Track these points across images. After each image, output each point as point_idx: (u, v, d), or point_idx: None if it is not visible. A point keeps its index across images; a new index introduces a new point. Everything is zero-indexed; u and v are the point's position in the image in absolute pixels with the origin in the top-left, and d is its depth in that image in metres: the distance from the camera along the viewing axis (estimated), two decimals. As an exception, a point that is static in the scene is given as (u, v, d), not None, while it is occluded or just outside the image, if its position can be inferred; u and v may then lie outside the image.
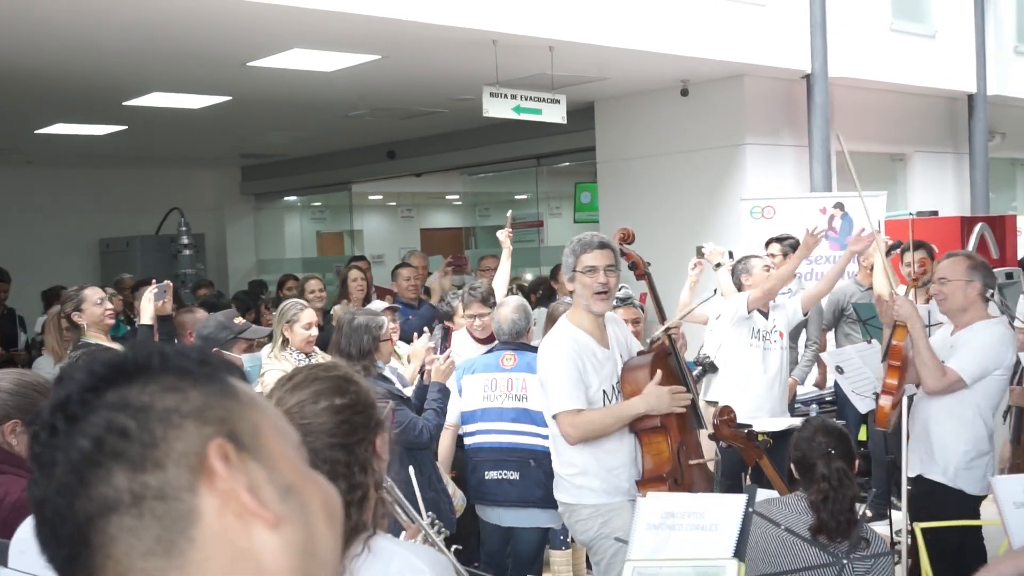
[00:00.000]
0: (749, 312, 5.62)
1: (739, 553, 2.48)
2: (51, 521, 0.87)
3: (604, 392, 3.91)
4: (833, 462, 3.21)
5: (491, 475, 4.90)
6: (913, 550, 3.63)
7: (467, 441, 5.05)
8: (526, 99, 8.55)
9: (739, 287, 5.97)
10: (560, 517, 4.95)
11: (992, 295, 4.50)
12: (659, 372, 3.89)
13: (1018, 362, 4.69)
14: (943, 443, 4.51)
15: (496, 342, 5.21)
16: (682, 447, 3.92)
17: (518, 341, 5.10)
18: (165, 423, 0.85)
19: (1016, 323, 5.13)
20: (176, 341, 5.20)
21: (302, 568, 0.87)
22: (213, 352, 0.96)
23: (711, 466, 4.27)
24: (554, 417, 3.93)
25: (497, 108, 8.37)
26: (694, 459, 3.95)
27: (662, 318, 4.30)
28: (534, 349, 4.80)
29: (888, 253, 6.51)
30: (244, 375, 0.97)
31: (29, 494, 0.89)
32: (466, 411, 5.00)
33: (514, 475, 4.88)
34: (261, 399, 0.95)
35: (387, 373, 4.87)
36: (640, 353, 4.15)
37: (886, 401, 5.18)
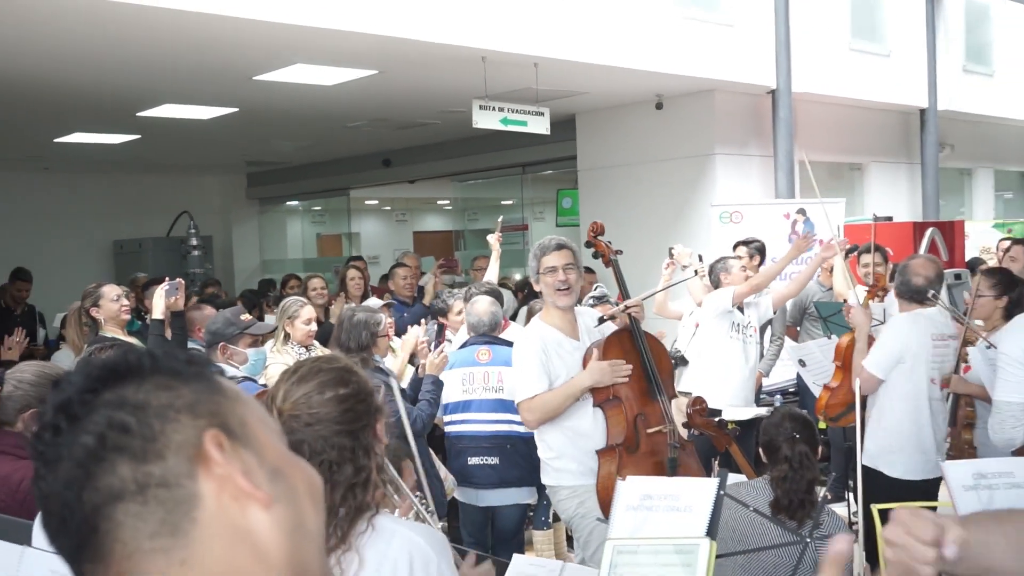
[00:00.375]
0: (734, 306, 5.65)
1: (711, 532, 2.48)
2: (59, 513, 0.88)
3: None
4: (796, 446, 3.23)
5: (473, 461, 4.93)
6: (871, 530, 3.65)
7: (448, 430, 5.07)
8: (512, 111, 8.55)
9: (717, 285, 5.98)
10: (535, 494, 5.03)
11: (934, 295, 4.49)
12: (610, 350, 3.91)
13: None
14: (869, 430, 4.58)
15: (472, 336, 5.22)
16: (640, 416, 3.93)
17: (492, 334, 5.19)
18: (162, 418, 0.88)
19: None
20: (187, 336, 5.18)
21: (293, 543, 0.90)
22: (196, 353, 0.99)
23: (681, 434, 4.23)
24: (517, 406, 4.01)
25: (485, 120, 8.37)
26: (652, 428, 3.94)
27: (624, 298, 4.31)
28: (508, 343, 4.90)
29: (846, 256, 6.56)
30: (224, 373, 0.99)
31: (35, 489, 0.90)
32: (447, 403, 5.01)
33: (494, 460, 4.92)
34: (244, 394, 0.97)
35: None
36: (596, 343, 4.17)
37: (823, 394, 5.27)
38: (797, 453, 3.22)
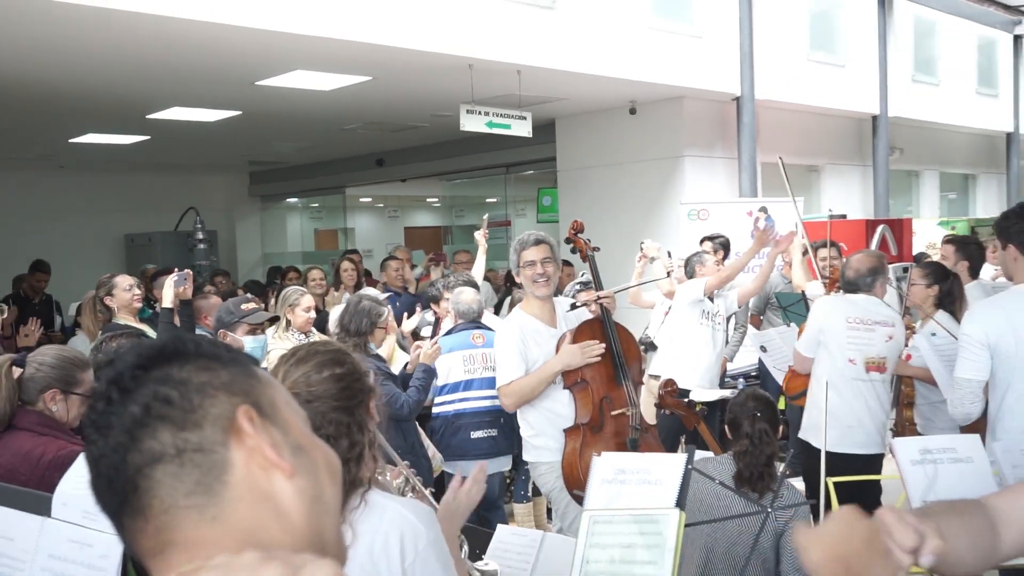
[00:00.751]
0: (705, 295, 5.67)
1: (680, 503, 2.50)
2: (106, 474, 0.92)
3: None
4: (757, 423, 3.25)
5: (477, 434, 4.95)
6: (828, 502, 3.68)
7: (449, 408, 5.05)
8: (497, 115, 8.54)
9: (692, 276, 6.01)
10: (509, 463, 5.06)
11: (870, 284, 4.50)
12: (581, 335, 3.92)
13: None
14: (806, 405, 4.65)
15: (461, 323, 5.23)
16: (605, 399, 3.94)
17: (479, 321, 5.24)
18: (202, 393, 0.92)
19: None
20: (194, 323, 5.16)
21: (311, 511, 0.94)
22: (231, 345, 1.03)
23: (639, 415, 4.24)
24: (498, 391, 4.03)
25: (472, 123, 8.36)
26: (617, 410, 3.96)
27: (597, 289, 4.33)
28: (491, 328, 5.01)
29: (804, 253, 6.63)
30: (258, 363, 1.03)
31: (86, 454, 0.94)
32: (448, 383, 5.01)
33: (494, 432, 4.96)
34: (275, 380, 1.02)
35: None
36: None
37: (788, 375, 5.35)
38: (757, 430, 3.25)
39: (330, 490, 0.97)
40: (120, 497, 0.92)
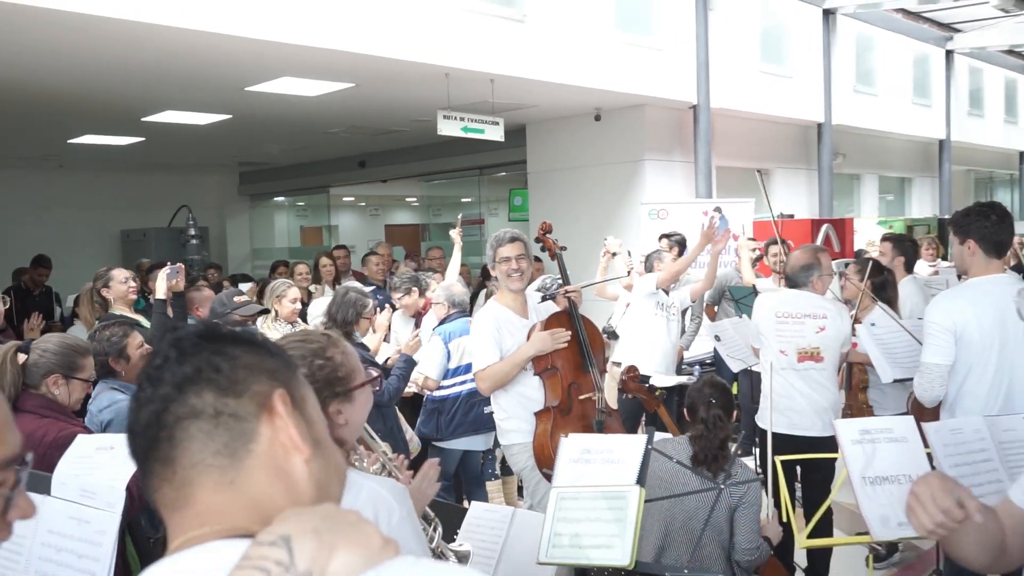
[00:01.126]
0: (657, 289, 5.70)
1: (640, 480, 2.51)
2: (147, 421, 0.96)
3: None
4: (712, 409, 3.26)
5: (487, 409, 4.89)
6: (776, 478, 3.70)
7: (465, 388, 4.99)
8: (472, 121, 8.52)
9: (651, 270, 6.03)
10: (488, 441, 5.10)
11: (806, 279, 4.52)
12: (550, 325, 3.93)
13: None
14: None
15: (455, 312, 5.23)
16: (573, 385, 3.96)
17: (467, 310, 5.28)
18: (248, 370, 0.98)
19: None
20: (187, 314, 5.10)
21: (317, 495, 0.98)
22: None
23: (605, 400, 4.26)
24: (474, 375, 4.03)
25: (448, 128, 8.34)
26: (584, 395, 3.98)
27: (565, 285, 4.35)
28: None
29: (755, 252, 6.74)
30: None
31: (133, 400, 0.98)
32: (460, 365, 4.99)
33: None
34: (310, 386, 1.07)
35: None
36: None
37: None
38: (712, 415, 3.26)
39: (336, 488, 1.01)
40: (154, 443, 0.95)
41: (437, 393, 5.02)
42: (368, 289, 5.47)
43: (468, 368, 4.96)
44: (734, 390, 6.81)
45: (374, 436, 2.33)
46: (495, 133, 8.70)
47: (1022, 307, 1.93)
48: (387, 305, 5.38)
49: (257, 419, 0.95)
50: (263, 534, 0.83)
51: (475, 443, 5.05)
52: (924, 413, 3.54)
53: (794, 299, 4.30)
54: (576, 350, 4.00)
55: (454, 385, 5.06)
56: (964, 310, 3.35)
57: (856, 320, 4.67)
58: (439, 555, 2.25)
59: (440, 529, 2.31)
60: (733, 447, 3.34)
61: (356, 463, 2.04)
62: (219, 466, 0.93)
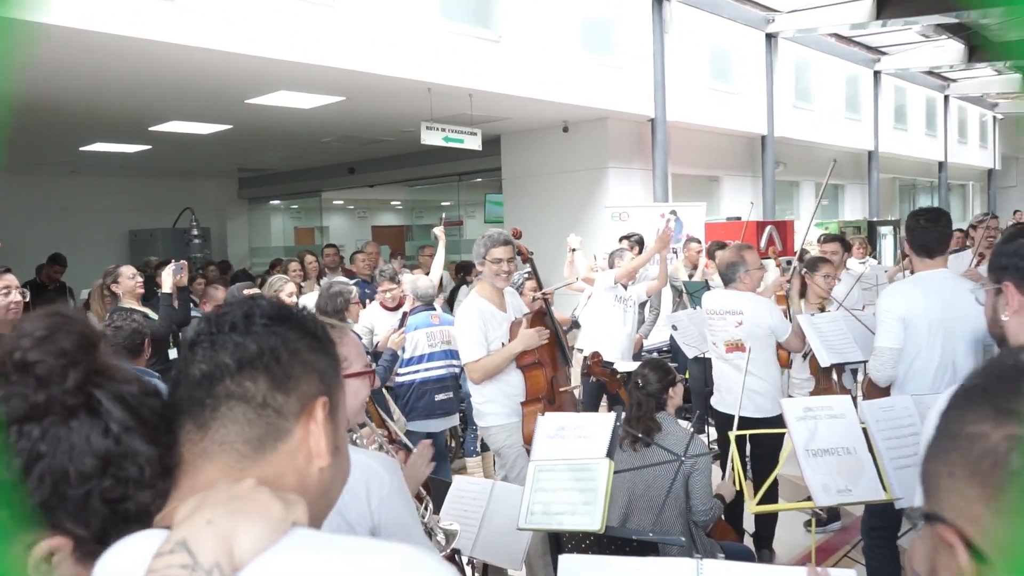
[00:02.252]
0: (615, 284, 5.71)
1: (610, 454, 2.52)
2: (197, 381, 0.89)
3: (502, 343, 3.95)
4: (647, 387, 3.32)
5: (439, 396, 4.92)
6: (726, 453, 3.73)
7: (415, 377, 4.99)
8: (452, 131, 8.49)
9: (613, 266, 6.05)
10: (457, 420, 5.11)
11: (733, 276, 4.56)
12: (532, 323, 3.94)
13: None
14: None
15: (419, 304, 5.18)
16: (554, 378, 3.98)
17: (432, 303, 5.22)
18: (303, 367, 0.91)
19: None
20: (192, 308, 5.04)
21: (318, 498, 0.92)
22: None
23: (576, 393, 4.27)
24: (464, 366, 4.01)
25: (431, 138, 8.30)
26: (563, 387, 3.99)
27: (539, 287, 4.37)
28: (438, 310, 5.08)
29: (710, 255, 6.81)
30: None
31: (188, 350, 0.91)
32: (415, 355, 4.97)
33: (450, 394, 4.94)
34: (344, 387, 1.01)
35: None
36: (525, 315, 4.19)
37: None
38: (642, 393, 3.33)
39: (337, 489, 0.97)
40: (198, 404, 0.88)
41: (396, 380, 5.01)
42: (352, 282, 5.43)
43: (421, 359, 4.96)
44: (686, 375, 6.86)
45: (391, 413, 2.31)
46: (473, 143, 8.68)
47: (979, 294, 1.93)
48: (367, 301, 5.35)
49: (296, 419, 0.89)
50: (163, 544, 0.76)
51: (430, 426, 5.02)
52: (875, 392, 3.54)
53: (719, 297, 4.35)
54: (554, 346, 4.03)
55: (408, 374, 5.04)
56: (914, 299, 3.37)
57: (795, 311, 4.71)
58: (429, 531, 2.23)
59: (432, 507, 2.29)
60: (687, 424, 3.37)
61: (358, 442, 2.02)
62: (241, 453, 0.87)
